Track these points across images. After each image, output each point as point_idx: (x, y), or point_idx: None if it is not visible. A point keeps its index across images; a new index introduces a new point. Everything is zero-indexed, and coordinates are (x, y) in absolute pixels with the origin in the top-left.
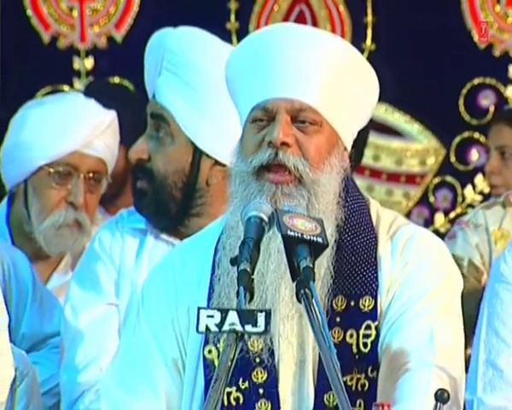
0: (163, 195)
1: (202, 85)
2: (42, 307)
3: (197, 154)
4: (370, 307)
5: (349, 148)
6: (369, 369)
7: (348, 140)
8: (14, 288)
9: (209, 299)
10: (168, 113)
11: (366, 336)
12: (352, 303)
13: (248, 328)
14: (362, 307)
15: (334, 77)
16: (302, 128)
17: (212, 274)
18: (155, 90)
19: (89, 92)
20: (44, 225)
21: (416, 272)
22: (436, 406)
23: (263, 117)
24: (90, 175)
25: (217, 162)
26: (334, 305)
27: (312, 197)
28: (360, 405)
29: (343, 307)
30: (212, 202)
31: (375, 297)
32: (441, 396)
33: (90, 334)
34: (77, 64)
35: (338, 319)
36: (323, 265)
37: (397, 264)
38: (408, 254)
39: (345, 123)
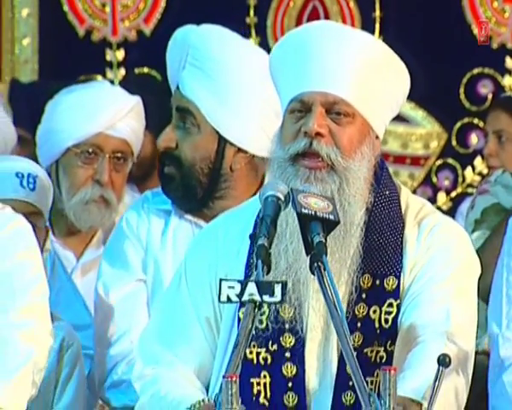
0: (191, 180)
1: (225, 78)
2: (57, 296)
3: (222, 142)
4: (394, 287)
5: (381, 136)
6: (389, 343)
7: (380, 129)
8: None
9: (246, 268)
10: (193, 105)
11: (388, 313)
12: (378, 282)
13: (266, 298)
14: (386, 286)
15: (365, 71)
16: (336, 119)
17: (250, 245)
18: (179, 82)
19: (127, 83)
20: (73, 201)
21: (438, 256)
22: (438, 369)
23: (300, 108)
24: (115, 155)
25: (240, 150)
26: (361, 282)
27: (343, 183)
28: (377, 375)
29: (369, 284)
30: (236, 185)
31: (398, 278)
32: (443, 360)
33: (121, 309)
34: (109, 56)
35: (364, 296)
36: (353, 245)
37: (421, 248)
38: (432, 239)
39: (376, 114)
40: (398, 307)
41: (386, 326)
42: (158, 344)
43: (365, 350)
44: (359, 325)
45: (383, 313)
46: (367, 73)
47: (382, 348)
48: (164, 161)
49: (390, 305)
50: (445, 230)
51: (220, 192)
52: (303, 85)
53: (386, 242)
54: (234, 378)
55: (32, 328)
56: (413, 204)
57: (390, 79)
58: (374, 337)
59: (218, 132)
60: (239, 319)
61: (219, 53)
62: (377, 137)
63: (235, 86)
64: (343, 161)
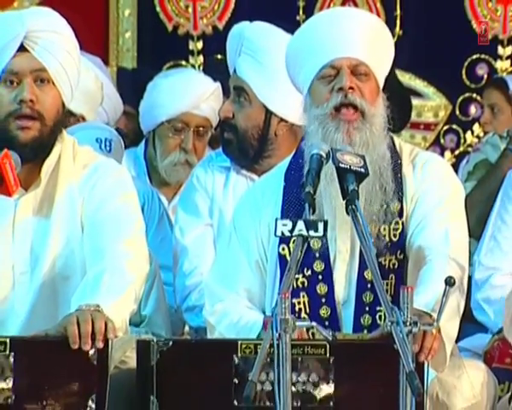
0: (244, 143)
1: (271, 64)
2: (162, 243)
3: (268, 114)
4: (398, 209)
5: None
6: (398, 252)
7: (382, 84)
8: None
9: (282, 215)
10: (247, 85)
11: (395, 229)
12: (385, 206)
13: (312, 233)
14: (392, 209)
15: (375, 40)
16: (358, 78)
17: (283, 198)
18: (236, 66)
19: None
20: (165, 163)
21: (432, 185)
22: (445, 289)
23: (330, 73)
24: (198, 129)
25: (282, 119)
26: (374, 209)
27: (372, 127)
28: (391, 278)
29: (378, 208)
30: (279, 147)
31: (401, 202)
32: (449, 281)
33: (193, 248)
34: (191, 46)
35: (374, 217)
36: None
37: (417, 179)
38: (425, 172)
39: (381, 72)
40: (403, 224)
41: (395, 240)
42: (220, 286)
43: (379, 260)
44: (374, 239)
45: (391, 229)
46: (375, 43)
47: (394, 257)
48: (224, 128)
49: (396, 223)
50: (435, 164)
51: (267, 152)
52: (332, 54)
53: (390, 176)
54: (286, 295)
55: (134, 257)
56: (405, 147)
57: (386, 45)
58: (385, 249)
59: (265, 106)
60: (279, 254)
61: (267, 44)
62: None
63: (278, 70)
64: (370, 107)
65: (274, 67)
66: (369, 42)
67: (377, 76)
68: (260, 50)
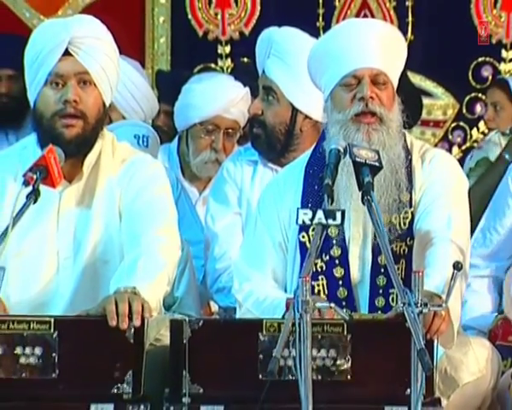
0: (272, 138)
1: (298, 66)
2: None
3: (294, 111)
4: (407, 199)
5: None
6: (407, 239)
7: (396, 86)
8: None
9: (302, 204)
10: (275, 84)
11: (405, 218)
12: (396, 197)
13: (330, 221)
14: (402, 200)
15: (392, 50)
16: (378, 87)
17: (303, 187)
18: (265, 68)
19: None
20: (196, 160)
21: (438, 177)
22: (453, 273)
23: (352, 82)
24: (227, 130)
25: (307, 116)
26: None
27: (389, 129)
28: (402, 263)
29: (390, 200)
30: (303, 141)
31: (410, 193)
32: (457, 266)
33: (223, 235)
34: (219, 50)
35: (387, 208)
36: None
37: (425, 172)
38: (432, 165)
39: (396, 77)
40: (412, 213)
41: (405, 228)
42: (248, 266)
43: (391, 246)
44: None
45: (401, 218)
46: (392, 52)
47: (404, 243)
48: (253, 124)
49: (406, 212)
50: (442, 159)
51: (293, 146)
52: (354, 64)
53: (404, 173)
54: (307, 278)
55: (167, 243)
56: (416, 143)
57: (401, 54)
58: (396, 236)
59: (291, 104)
60: (299, 241)
61: (294, 47)
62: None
63: (304, 71)
64: (387, 113)
65: (300, 69)
66: (388, 52)
67: (393, 82)
68: (288, 53)
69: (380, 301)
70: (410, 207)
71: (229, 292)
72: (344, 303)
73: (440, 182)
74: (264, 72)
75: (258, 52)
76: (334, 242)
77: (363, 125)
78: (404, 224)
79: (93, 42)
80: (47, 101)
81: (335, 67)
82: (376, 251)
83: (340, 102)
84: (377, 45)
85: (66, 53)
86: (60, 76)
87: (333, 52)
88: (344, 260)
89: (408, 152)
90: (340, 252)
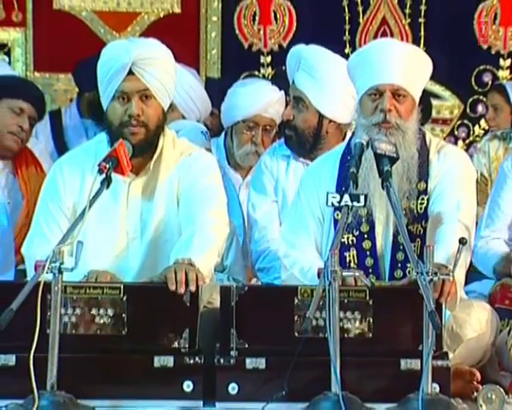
0: (302, 139)
1: (323, 79)
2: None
3: (321, 117)
4: (424, 188)
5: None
6: (423, 221)
7: (418, 101)
8: None
9: (337, 187)
10: (304, 95)
11: (421, 203)
12: (414, 186)
13: (355, 203)
14: (419, 187)
15: (413, 67)
16: (398, 100)
17: (339, 172)
18: (294, 79)
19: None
20: (239, 152)
21: (450, 167)
22: (459, 247)
23: (375, 94)
24: (265, 127)
25: (331, 120)
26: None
27: (405, 134)
28: (418, 242)
29: (407, 187)
30: (329, 140)
31: (426, 182)
32: (462, 241)
33: (262, 221)
34: (262, 60)
35: (405, 195)
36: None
37: (440, 165)
38: (446, 158)
39: (418, 92)
40: (428, 200)
41: (421, 212)
42: (293, 234)
43: (409, 227)
44: (404, 212)
45: (418, 204)
46: (413, 69)
47: (420, 225)
48: (285, 127)
49: (422, 199)
50: (454, 153)
51: (320, 145)
52: (378, 79)
53: (415, 171)
54: (336, 251)
55: (217, 223)
56: (434, 140)
57: (423, 69)
58: (413, 219)
59: (318, 111)
60: (334, 219)
61: (319, 63)
62: (418, 106)
63: (329, 83)
64: (404, 124)
65: (325, 81)
66: (408, 69)
67: (413, 95)
68: (314, 68)
69: (398, 273)
70: (426, 194)
71: (269, 271)
72: (370, 270)
73: (452, 172)
74: (294, 82)
75: (289, 65)
76: (364, 220)
77: (382, 129)
78: (421, 209)
79: (153, 62)
80: (115, 112)
81: (364, 79)
82: (397, 233)
83: (365, 109)
84: (399, 63)
85: (130, 72)
86: (125, 93)
87: (363, 66)
88: (372, 235)
89: (426, 148)
90: (368, 228)
